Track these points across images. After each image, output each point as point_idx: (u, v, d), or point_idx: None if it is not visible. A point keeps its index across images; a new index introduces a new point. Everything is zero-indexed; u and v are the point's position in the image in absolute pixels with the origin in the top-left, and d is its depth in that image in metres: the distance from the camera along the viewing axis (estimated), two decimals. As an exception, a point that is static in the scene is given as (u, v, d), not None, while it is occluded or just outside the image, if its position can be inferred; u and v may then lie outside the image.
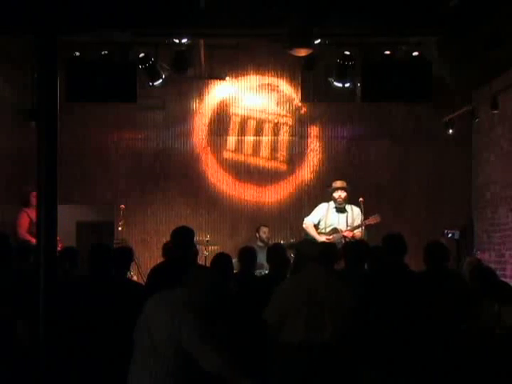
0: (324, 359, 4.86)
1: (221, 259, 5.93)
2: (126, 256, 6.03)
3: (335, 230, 9.18)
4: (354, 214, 9.24)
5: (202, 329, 4.12)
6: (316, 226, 9.38)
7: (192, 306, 4.20)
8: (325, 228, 9.27)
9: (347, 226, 9.23)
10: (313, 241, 5.97)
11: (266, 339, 5.01)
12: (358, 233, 9.14)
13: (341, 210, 9.28)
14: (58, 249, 8.81)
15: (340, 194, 9.30)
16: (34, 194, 9.07)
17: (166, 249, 7.11)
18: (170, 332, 4.11)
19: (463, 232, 9.12)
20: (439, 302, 5.42)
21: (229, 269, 5.88)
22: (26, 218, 9.09)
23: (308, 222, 9.36)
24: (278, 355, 4.94)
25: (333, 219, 9.29)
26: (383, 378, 5.09)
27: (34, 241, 8.84)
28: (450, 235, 9.03)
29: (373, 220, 9.14)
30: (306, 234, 9.35)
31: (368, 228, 9.25)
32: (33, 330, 5.55)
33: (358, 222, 9.24)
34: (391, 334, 5.25)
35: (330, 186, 9.54)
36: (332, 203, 9.40)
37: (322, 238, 9.17)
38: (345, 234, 9.12)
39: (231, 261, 5.99)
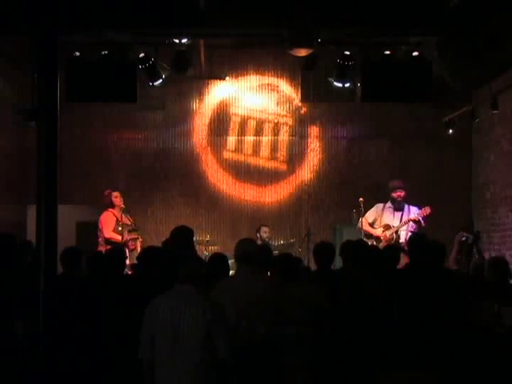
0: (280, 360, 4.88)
1: (217, 259, 5.93)
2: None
3: (387, 227, 9.22)
4: (411, 212, 9.23)
5: (224, 320, 4.50)
6: (372, 226, 9.34)
7: (215, 301, 4.55)
8: (379, 227, 9.32)
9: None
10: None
11: None
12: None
13: (398, 208, 9.30)
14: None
15: (399, 194, 9.30)
16: (115, 194, 9.29)
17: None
18: (200, 326, 4.35)
19: (477, 236, 9.15)
20: (439, 301, 5.42)
21: (225, 269, 5.88)
22: (113, 217, 9.27)
23: (363, 220, 9.34)
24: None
25: (388, 218, 9.30)
26: (399, 377, 5.08)
27: (119, 239, 9.04)
28: (463, 238, 9.05)
29: (424, 212, 9.10)
30: (365, 233, 9.23)
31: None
32: (33, 330, 5.55)
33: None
34: (414, 334, 5.24)
35: (387, 185, 9.53)
36: (388, 203, 9.39)
37: (376, 231, 9.23)
38: (395, 228, 9.13)
39: (227, 261, 5.99)
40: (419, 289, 5.50)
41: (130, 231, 9.21)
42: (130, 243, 9.06)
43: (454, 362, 5.19)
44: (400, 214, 9.30)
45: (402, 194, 9.29)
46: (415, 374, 5.02)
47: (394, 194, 9.31)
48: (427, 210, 9.12)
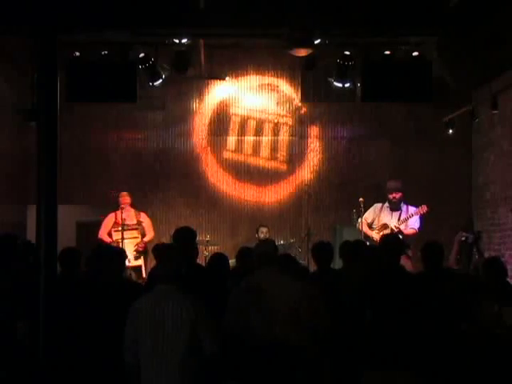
0: (277, 360, 4.86)
1: (217, 259, 5.94)
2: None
3: (385, 226, 9.31)
4: (409, 212, 9.32)
5: (207, 317, 4.49)
6: (371, 226, 9.46)
7: (195, 298, 4.52)
8: (377, 227, 9.42)
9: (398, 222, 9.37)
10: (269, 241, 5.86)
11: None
12: (410, 229, 9.19)
13: (395, 209, 9.40)
14: None
15: (394, 195, 9.39)
16: (121, 194, 9.34)
17: (158, 250, 7.02)
18: (183, 325, 4.37)
19: (477, 236, 9.21)
20: (438, 302, 5.41)
21: (225, 269, 5.89)
22: (112, 219, 9.44)
23: (362, 221, 9.44)
24: (237, 357, 4.93)
25: (386, 218, 9.40)
26: (384, 377, 5.08)
27: (108, 241, 9.15)
28: (463, 238, 9.11)
29: (421, 210, 9.20)
30: (364, 234, 9.32)
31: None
32: (33, 330, 5.55)
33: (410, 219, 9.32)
34: (390, 334, 5.24)
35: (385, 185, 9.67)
36: (387, 203, 9.49)
37: (373, 234, 9.31)
38: (394, 228, 9.21)
39: (228, 261, 6.00)
40: (398, 289, 5.49)
41: (116, 231, 9.26)
42: (115, 245, 9.04)
43: (454, 362, 5.18)
44: (398, 213, 9.38)
45: (398, 195, 9.40)
46: (402, 375, 5.01)
47: (390, 196, 9.46)
48: (424, 208, 9.22)
